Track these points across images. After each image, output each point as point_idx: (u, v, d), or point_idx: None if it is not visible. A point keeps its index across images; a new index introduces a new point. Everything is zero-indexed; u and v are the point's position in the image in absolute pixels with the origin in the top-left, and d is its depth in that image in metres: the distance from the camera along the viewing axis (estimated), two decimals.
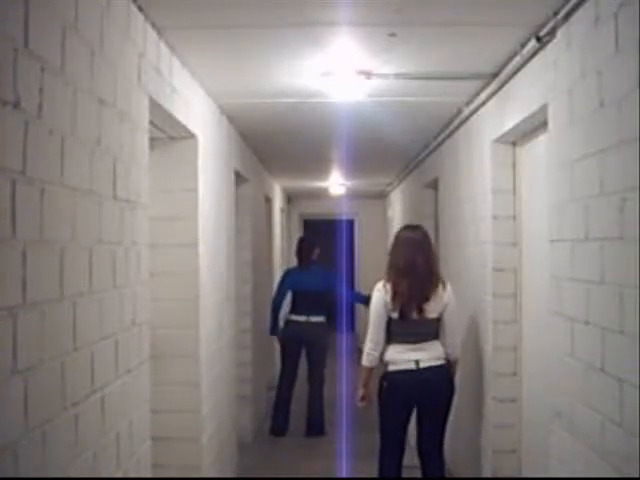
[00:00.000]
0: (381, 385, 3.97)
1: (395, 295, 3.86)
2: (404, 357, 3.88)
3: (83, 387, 1.93)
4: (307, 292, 6.36)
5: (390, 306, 3.87)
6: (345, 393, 7.03)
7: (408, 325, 3.88)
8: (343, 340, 10.87)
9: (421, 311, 3.86)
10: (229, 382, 4.71)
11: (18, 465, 1.51)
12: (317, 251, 6.65)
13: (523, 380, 3.71)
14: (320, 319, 6.39)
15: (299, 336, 6.38)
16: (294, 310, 6.43)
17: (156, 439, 2.78)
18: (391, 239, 4.31)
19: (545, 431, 3.00)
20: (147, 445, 2.58)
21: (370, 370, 4.03)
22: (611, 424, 2.12)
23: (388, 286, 3.90)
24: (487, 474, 3.95)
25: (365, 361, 3.99)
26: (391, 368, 3.91)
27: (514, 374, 3.76)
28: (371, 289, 4.08)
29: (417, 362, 3.85)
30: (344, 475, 5.24)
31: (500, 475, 3.80)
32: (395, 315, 3.88)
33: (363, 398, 4.13)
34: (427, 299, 3.87)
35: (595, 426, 2.24)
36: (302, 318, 6.35)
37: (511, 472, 3.76)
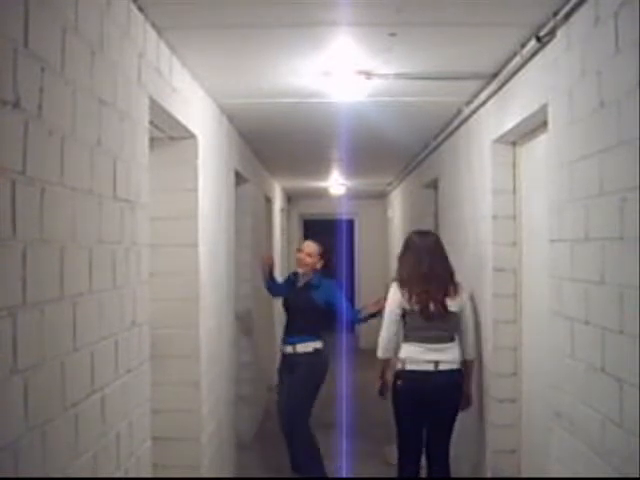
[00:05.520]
0: (395, 384, 3.95)
1: (414, 298, 3.90)
2: (424, 357, 3.87)
3: (83, 387, 1.93)
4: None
5: (407, 306, 3.91)
6: (345, 393, 7.03)
7: (429, 324, 3.90)
8: (343, 340, 10.86)
9: (444, 306, 3.90)
10: (229, 382, 4.71)
11: (18, 465, 1.51)
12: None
13: (523, 380, 3.70)
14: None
15: None
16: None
17: (156, 439, 2.78)
18: (391, 239, 4.32)
19: (545, 431, 3.00)
20: (147, 445, 2.58)
21: (385, 361, 4.05)
22: (611, 424, 2.11)
23: (405, 289, 3.94)
24: (487, 474, 3.94)
25: (379, 353, 4.02)
26: (408, 367, 3.90)
27: (514, 374, 3.76)
28: (371, 289, 4.09)
29: (436, 364, 3.85)
30: (345, 475, 5.24)
31: (500, 475, 3.80)
32: (414, 313, 3.91)
33: (381, 391, 4.10)
34: (448, 297, 3.92)
35: (595, 426, 2.24)
36: None
37: (511, 472, 3.76)
